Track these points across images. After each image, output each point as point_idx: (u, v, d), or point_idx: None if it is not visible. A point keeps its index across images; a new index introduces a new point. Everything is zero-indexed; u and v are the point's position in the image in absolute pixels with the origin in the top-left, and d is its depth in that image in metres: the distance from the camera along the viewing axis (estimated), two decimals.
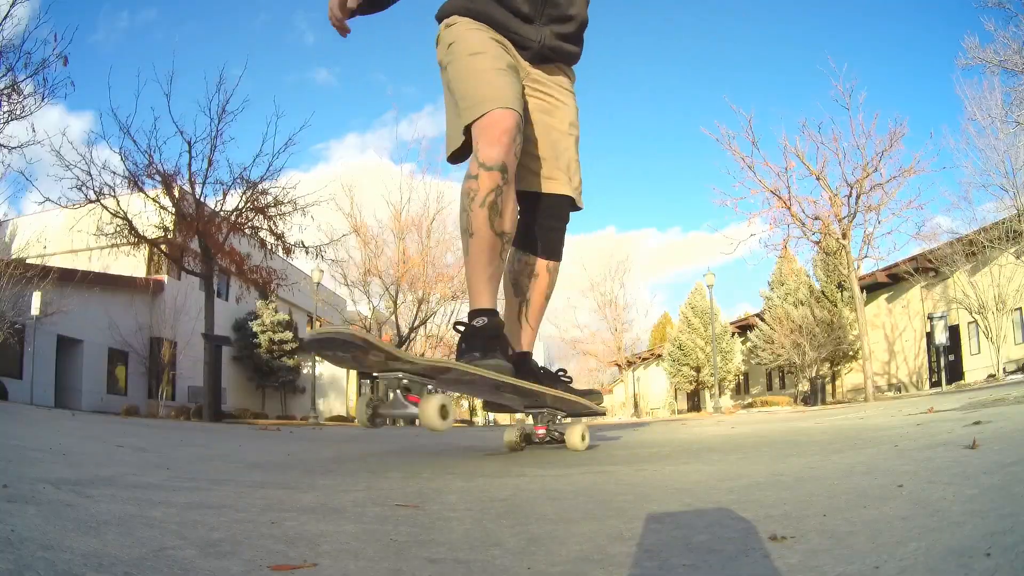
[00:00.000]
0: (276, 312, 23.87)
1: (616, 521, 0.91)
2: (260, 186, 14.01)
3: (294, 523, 0.94)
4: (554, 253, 2.24)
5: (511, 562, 0.73)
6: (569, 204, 2.23)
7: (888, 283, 21.04)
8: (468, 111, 1.89)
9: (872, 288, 20.78)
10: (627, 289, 32.11)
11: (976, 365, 17.84)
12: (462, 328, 1.89)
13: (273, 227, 14.20)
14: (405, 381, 1.67)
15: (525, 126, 1.97)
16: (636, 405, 35.11)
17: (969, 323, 18.01)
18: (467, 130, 1.90)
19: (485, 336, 1.85)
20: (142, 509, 1.00)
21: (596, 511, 1.00)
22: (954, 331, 18.38)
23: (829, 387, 21.08)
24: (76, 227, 12.99)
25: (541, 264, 2.23)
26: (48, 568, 0.65)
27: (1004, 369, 15.07)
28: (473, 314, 1.91)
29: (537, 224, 2.19)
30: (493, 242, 1.87)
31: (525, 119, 1.98)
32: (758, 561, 0.68)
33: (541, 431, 2.28)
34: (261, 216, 14.12)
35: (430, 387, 1.72)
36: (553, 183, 2.18)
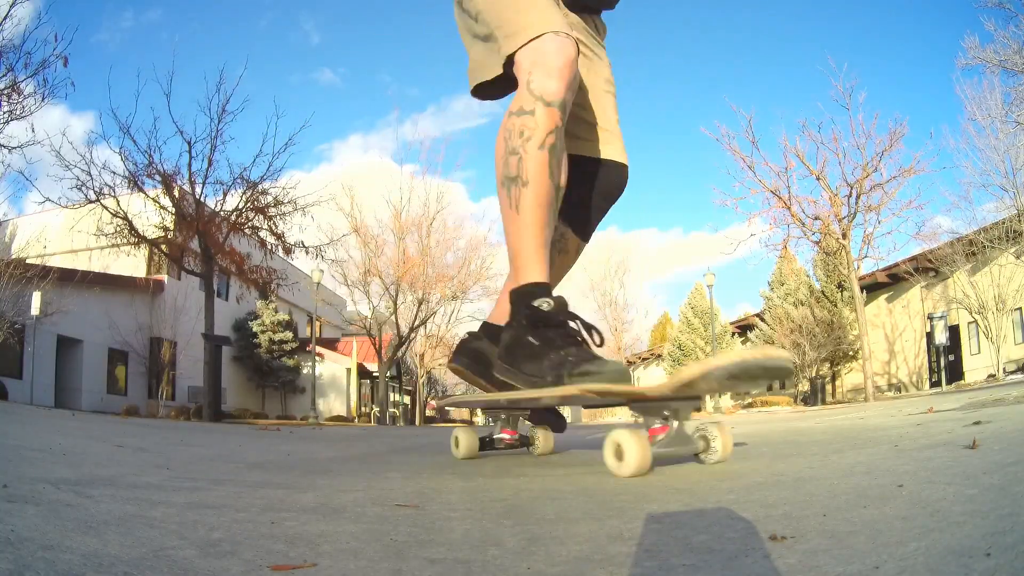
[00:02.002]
0: (276, 312, 23.89)
1: (616, 521, 0.91)
2: (260, 186, 14.04)
3: (294, 523, 0.94)
4: (588, 234, 1.91)
5: (511, 562, 0.73)
6: (624, 177, 1.86)
7: (888, 283, 21.05)
8: (514, 36, 1.52)
9: (872, 288, 20.79)
10: (627, 289, 32.15)
11: (976, 365, 17.85)
12: (525, 319, 1.47)
13: (273, 227, 14.22)
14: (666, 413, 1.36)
15: None
16: None
17: (969, 323, 18.02)
18: (509, 60, 1.53)
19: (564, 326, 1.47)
20: (142, 509, 1.00)
21: (596, 511, 1.00)
22: (954, 331, 18.39)
23: (829, 387, 21.09)
24: (76, 227, 12.99)
25: (574, 242, 1.89)
26: (48, 568, 0.65)
27: (1004, 369, 15.09)
28: (528, 292, 1.47)
29: (578, 196, 1.81)
30: (552, 196, 1.51)
31: None
32: (758, 561, 0.68)
33: (508, 435, 1.93)
34: (261, 216, 14.14)
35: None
36: (610, 148, 1.81)
